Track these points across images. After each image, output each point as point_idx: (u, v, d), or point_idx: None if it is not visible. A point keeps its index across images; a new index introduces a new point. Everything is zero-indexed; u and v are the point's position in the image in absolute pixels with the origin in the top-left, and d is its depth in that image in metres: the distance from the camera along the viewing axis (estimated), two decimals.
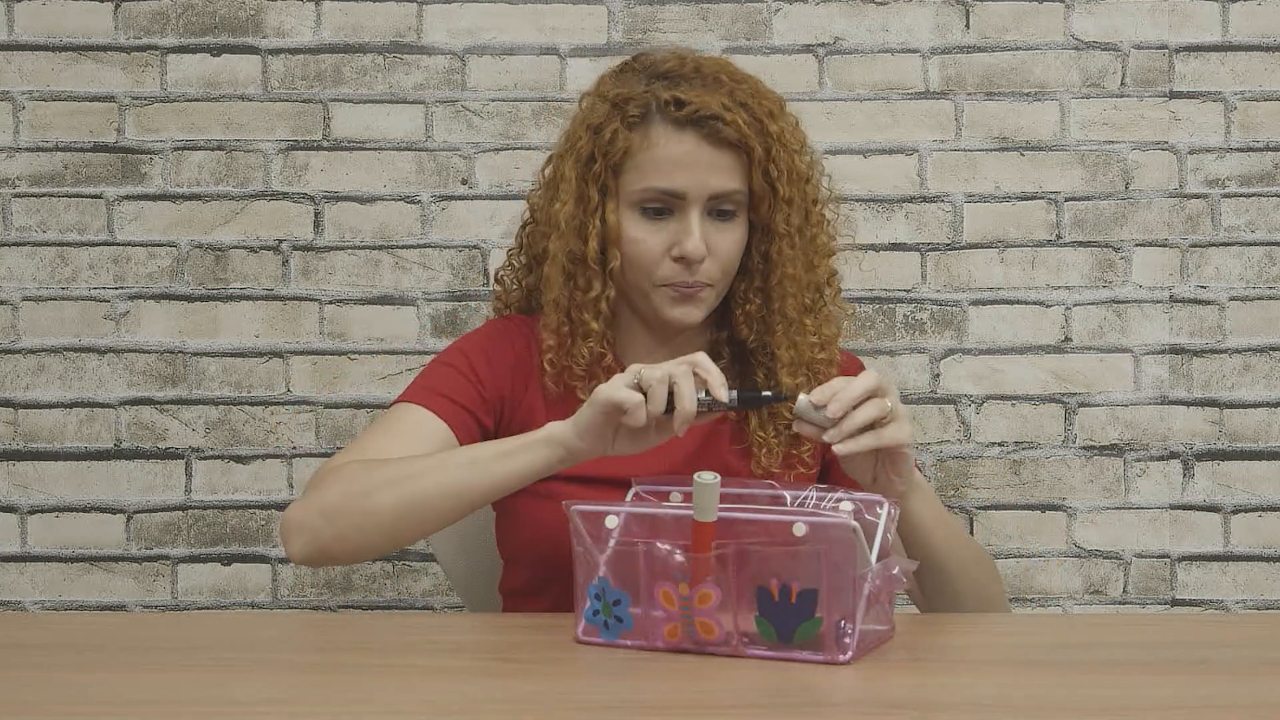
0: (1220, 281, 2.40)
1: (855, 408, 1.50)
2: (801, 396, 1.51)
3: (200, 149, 2.39)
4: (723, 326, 1.80)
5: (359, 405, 2.40)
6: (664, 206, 1.70)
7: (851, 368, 1.82)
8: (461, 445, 1.70)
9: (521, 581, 1.80)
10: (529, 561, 1.77)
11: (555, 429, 1.57)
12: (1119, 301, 2.40)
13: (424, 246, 2.40)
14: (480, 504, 1.62)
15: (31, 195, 2.39)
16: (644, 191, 1.69)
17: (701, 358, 1.52)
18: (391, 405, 1.76)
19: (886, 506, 1.42)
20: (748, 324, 1.76)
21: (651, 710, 1.28)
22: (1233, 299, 2.40)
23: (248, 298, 2.40)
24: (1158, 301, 2.40)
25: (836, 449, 1.50)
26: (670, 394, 1.50)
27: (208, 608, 2.40)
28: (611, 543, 1.41)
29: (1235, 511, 2.40)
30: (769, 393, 1.57)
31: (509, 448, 1.59)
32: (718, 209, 1.71)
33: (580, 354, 1.73)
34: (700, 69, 1.72)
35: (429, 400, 1.72)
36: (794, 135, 1.75)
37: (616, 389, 1.51)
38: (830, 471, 1.78)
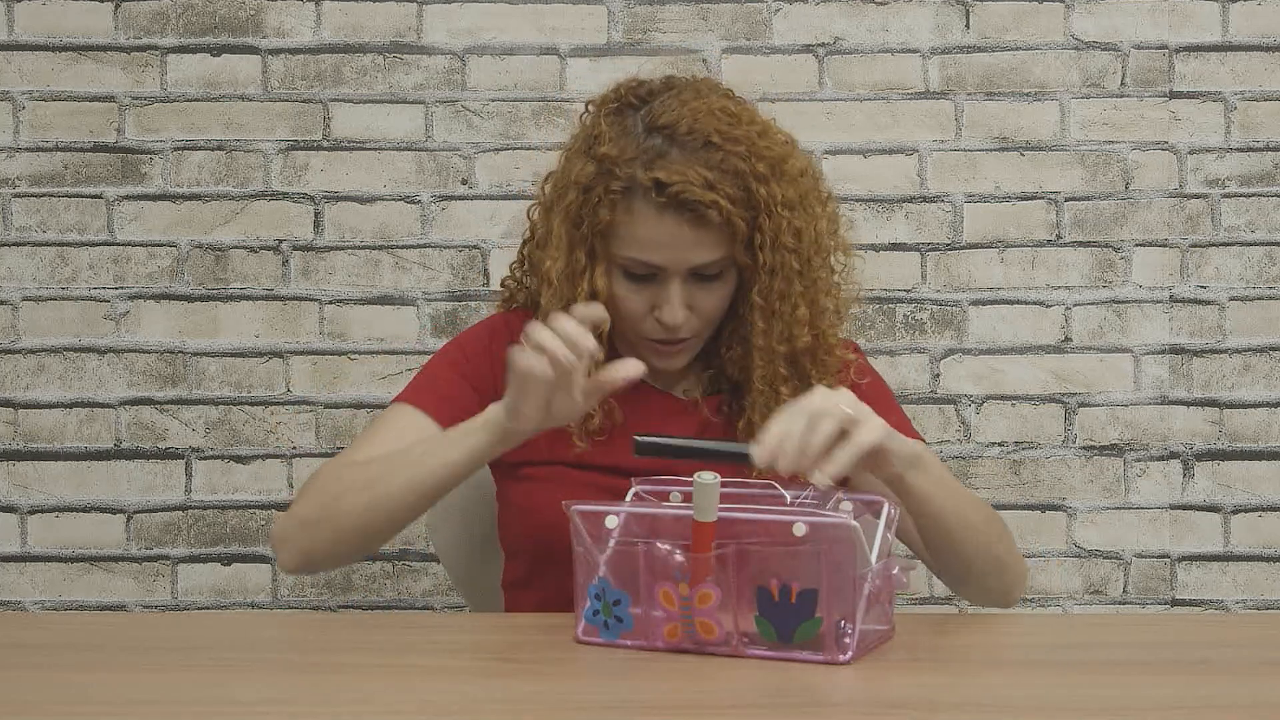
0: (1220, 281, 2.40)
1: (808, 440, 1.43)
2: (752, 448, 1.45)
3: (200, 149, 2.39)
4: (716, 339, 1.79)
5: (359, 405, 2.40)
6: (647, 272, 1.68)
7: (858, 365, 1.80)
8: None
9: (521, 573, 1.80)
10: (527, 548, 1.77)
11: (492, 413, 1.57)
12: (1119, 301, 2.40)
13: (424, 246, 2.40)
14: (440, 493, 1.63)
15: (31, 195, 2.39)
16: (626, 260, 1.68)
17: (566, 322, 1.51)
18: (389, 405, 1.76)
19: (886, 506, 1.42)
20: (732, 365, 1.74)
21: (651, 710, 1.28)
22: (1233, 299, 2.39)
23: (248, 298, 2.40)
24: (1158, 301, 2.40)
25: (817, 481, 1.43)
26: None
27: (208, 608, 2.40)
28: (611, 543, 1.42)
29: (1235, 511, 2.40)
30: (732, 445, 1.52)
31: (454, 434, 1.60)
32: (701, 273, 1.68)
33: None
34: (695, 128, 1.64)
35: (423, 400, 1.73)
36: (792, 190, 1.68)
37: (518, 361, 1.50)
38: None
